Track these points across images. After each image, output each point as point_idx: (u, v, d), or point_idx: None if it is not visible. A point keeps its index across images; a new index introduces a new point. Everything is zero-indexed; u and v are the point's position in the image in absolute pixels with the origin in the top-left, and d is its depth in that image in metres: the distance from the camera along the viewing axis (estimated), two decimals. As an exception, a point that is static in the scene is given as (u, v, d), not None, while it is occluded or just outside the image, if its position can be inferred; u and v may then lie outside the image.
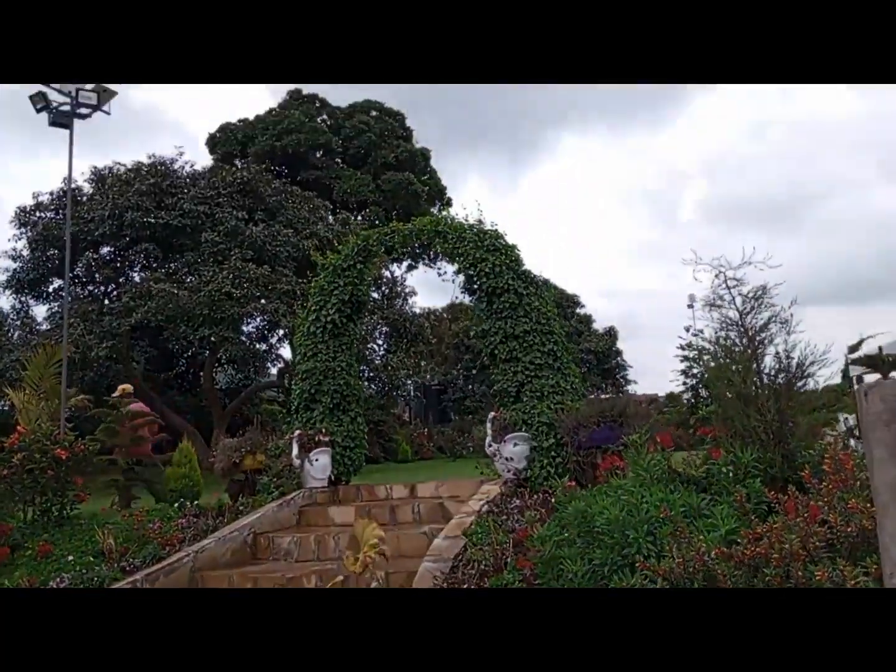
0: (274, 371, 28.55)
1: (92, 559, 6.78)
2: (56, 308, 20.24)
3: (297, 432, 8.52)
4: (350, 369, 9.08)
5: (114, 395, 9.60)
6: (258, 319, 23.34)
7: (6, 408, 20.10)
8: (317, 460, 8.43)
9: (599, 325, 36.81)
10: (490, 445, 7.62)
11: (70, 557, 6.80)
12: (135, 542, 7.06)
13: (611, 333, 35.72)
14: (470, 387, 30.92)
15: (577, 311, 35.68)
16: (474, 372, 29.42)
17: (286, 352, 27.94)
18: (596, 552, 4.56)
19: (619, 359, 36.79)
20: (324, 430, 8.61)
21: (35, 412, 8.89)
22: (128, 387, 10.02)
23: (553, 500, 6.48)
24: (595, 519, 4.72)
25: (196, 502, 8.43)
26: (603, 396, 7.40)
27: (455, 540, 6.01)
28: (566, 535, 4.83)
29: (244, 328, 25.47)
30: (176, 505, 8.23)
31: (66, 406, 9.19)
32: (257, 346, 28.09)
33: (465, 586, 5.15)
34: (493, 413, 7.79)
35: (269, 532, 7.43)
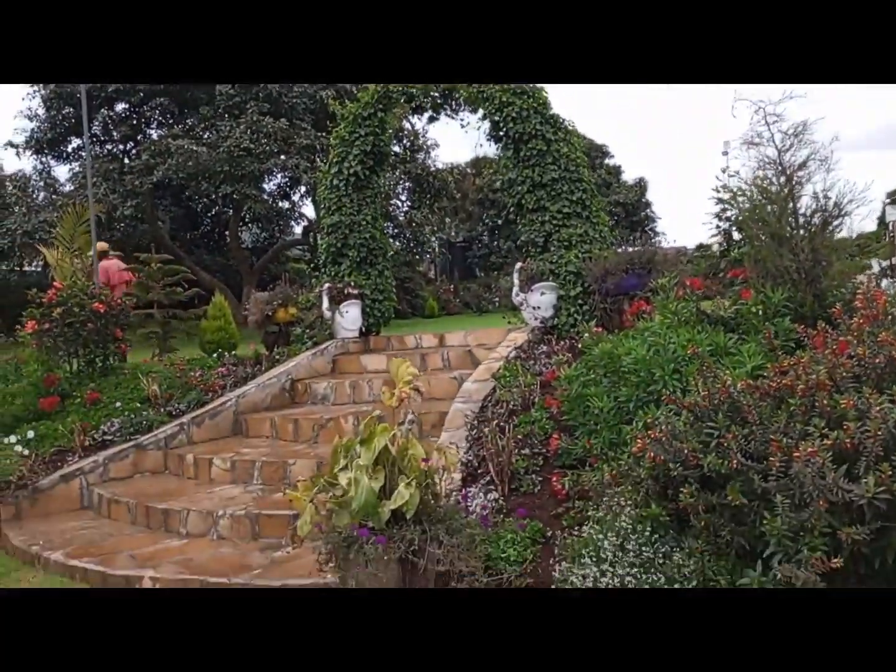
0: (298, 230, 28.55)
1: (139, 405, 7.17)
2: (77, 168, 20.09)
3: (327, 285, 8.63)
4: (375, 223, 9.02)
5: (89, 253, 9.55)
6: (279, 176, 23.03)
7: (39, 268, 20.53)
8: (347, 312, 8.59)
9: (628, 176, 35.77)
10: (517, 295, 7.68)
11: (118, 404, 7.19)
12: (178, 388, 7.41)
13: (640, 185, 34.73)
14: (495, 243, 30.74)
15: (606, 161, 34.57)
16: (499, 227, 29.16)
17: (309, 210, 27.78)
18: (622, 390, 4.70)
19: (648, 211, 36.03)
20: (352, 283, 8.70)
21: (69, 269, 9.07)
22: (103, 244, 10.04)
23: (580, 345, 6.61)
24: (621, 359, 4.82)
25: (234, 353, 8.74)
26: (631, 249, 7.29)
27: (484, 383, 6.21)
28: (592, 375, 4.96)
29: (266, 186, 25.22)
30: (214, 355, 8.55)
31: (98, 262, 9.34)
32: (280, 204, 27.95)
33: (494, 423, 5.38)
34: (520, 263, 7.78)
35: (306, 379, 7.74)
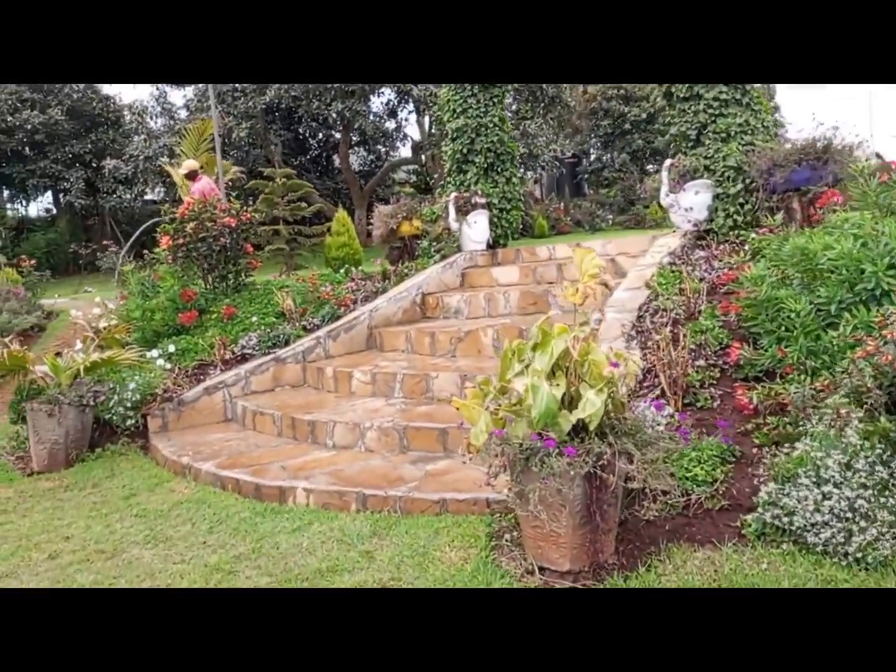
0: (405, 151, 28.08)
1: (274, 319, 7.10)
2: (191, 95, 20.28)
3: (453, 195, 8.19)
4: (503, 125, 8.42)
5: (180, 170, 9.20)
6: (388, 92, 22.48)
7: (160, 195, 21.21)
8: (475, 222, 8.15)
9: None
10: (666, 196, 6.96)
11: (254, 318, 7.16)
12: (311, 303, 7.29)
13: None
14: (608, 157, 29.14)
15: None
16: (613, 139, 27.55)
17: (414, 131, 27.18)
18: (820, 291, 4.07)
19: (777, 115, 33.07)
20: (479, 192, 8.22)
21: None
22: (192, 163, 9.17)
23: (747, 246, 5.91)
24: (818, 256, 4.16)
25: (360, 268, 8.54)
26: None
27: (637, 291, 5.67)
28: (780, 275, 4.33)
29: (372, 105, 24.78)
30: (342, 271, 8.38)
31: (223, 179, 9.27)
32: (387, 124, 27.50)
33: (654, 337, 4.86)
34: (669, 160, 7.02)
35: (436, 292, 7.43)
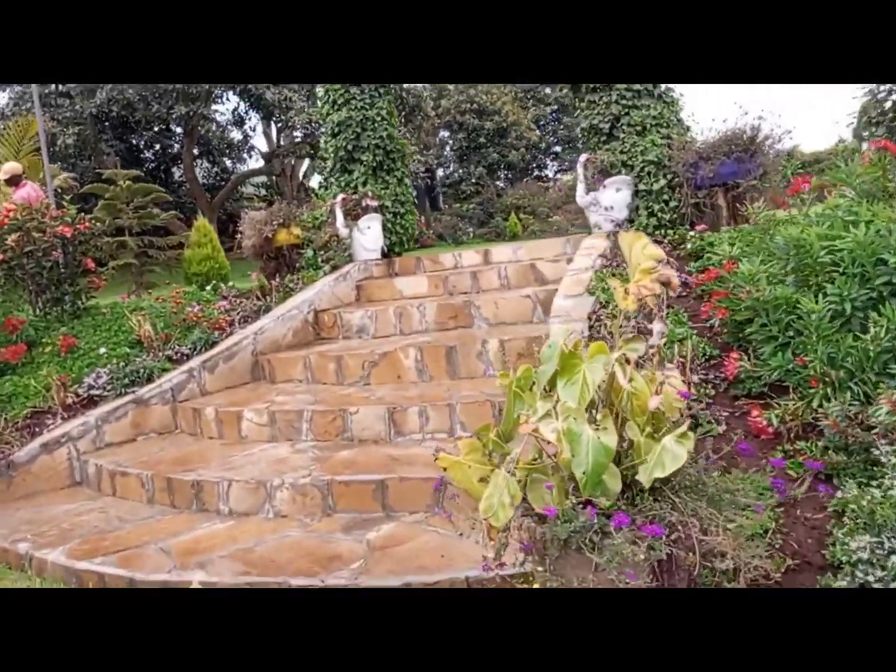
0: (252, 164, 26.40)
1: (129, 350, 5.70)
2: (10, 96, 17.59)
3: (341, 197, 7.14)
4: (391, 119, 7.51)
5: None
6: (234, 97, 20.86)
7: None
8: (368, 228, 7.14)
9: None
10: (583, 195, 6.33)
11: (102, 350, 5.71)
12: (176, 328, 5.95)
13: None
14: (464, 169, 29.06)
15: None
16: (468, 152, 27.48)
17: (261, 142, 25.62)
18: (827, 287, 3.48)
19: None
20: (370, 193, 7.23)
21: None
22: (15, 165, 7.46)
23: (688, 246, 5.36)
24: (814, 248, 3.58)
25: (231, 284, 7.25)
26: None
27: (580, 298, 4.94)
28: (772, 269, 3.71)
29: (217, 113, 23.06)
30: (209, 287, 7.05)
31: (52, 185, 7.62)
32: (233, 133, 25.76)
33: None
34: (584, 156, 6.41)
35: (331, 309, 6.34)
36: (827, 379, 3.22)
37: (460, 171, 29.94)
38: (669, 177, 6.11)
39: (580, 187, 6.34)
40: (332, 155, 7.45)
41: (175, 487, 4.12)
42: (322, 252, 7.06)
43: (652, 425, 2.35)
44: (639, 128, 6.31)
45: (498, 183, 29.04)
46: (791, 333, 3.49)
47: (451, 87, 27.98)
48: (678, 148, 6.08)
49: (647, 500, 2.21)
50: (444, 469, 2.41)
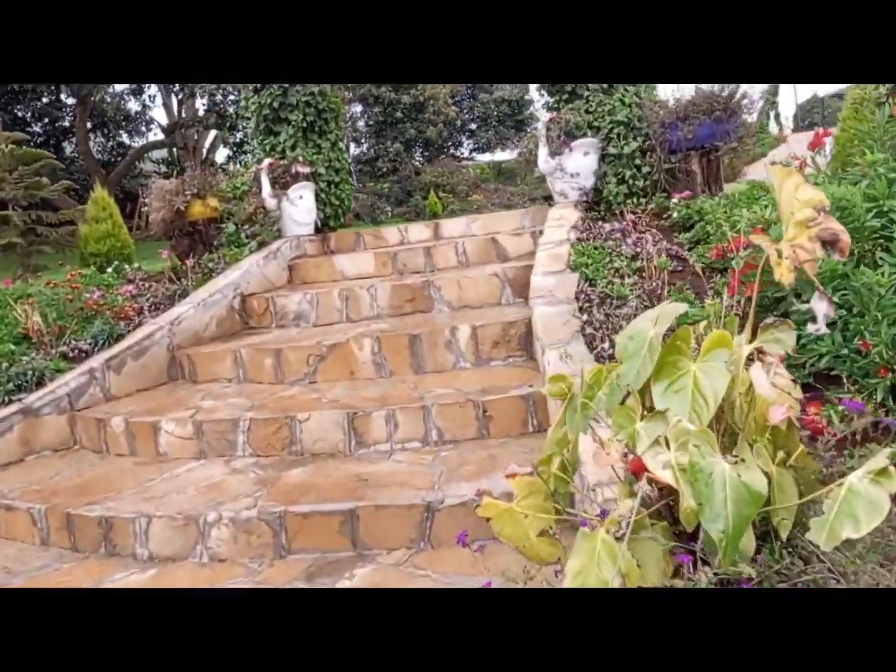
0: (152, 137, 24.48)
1: (13, 346, 4.63)
2: None
3: (267, 161, 6.19)
4: (323, 73, 6.56)
5: None
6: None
7: None
8: (300, 198, 6.24)
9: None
10: (547, 160, 5.65)
11: (-23, 348, 4.62)
12: (73, 318, 4.91)
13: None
14: (381, 146, 28.04)
15: (488, 56, 32.47)
16: (385, 127, 26.49)
17: (161, 115, 23.78)
18: (885, 257, 2.93)
19: (532, 108, 34.40)
20: (301, 158, 6.31)
21: None
22: None
23: (675, 215, 4.78)
24: (855, 210, 3.03)
25: (137, 265, 6.20)
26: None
27: (562, 275, 4.28)
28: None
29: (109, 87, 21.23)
30: (111, 269, 5.99)
31: None
32: (129, 104, 23.88)
33: (622, 329, 3.50)
34: (547, 115, 5.73)
35: (261, 293, 5.43)
36: (894, 367, 2.67)
37: (376, 147, 28.91)
38: (641, 139, 5.51)
39: (542, 151, 5.66)
40: (254, 114, 6.47)
41: (77, 526, 3.21)
42: (246, 226, 6.12)
43: (772, 444, 1.70)
44: (605, 85, 5.67)
45: (416, 160, 28.27)
46: (841, 312, 2.92)
47: (365, 58, 26.83)
48: (651, 107, 5.49)
49: (785, 557, 1.55)
50: (488, 520, 1.67)
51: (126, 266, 6.12)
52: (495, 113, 29.58)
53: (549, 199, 6.17)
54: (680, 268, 4.14)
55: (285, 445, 3.61)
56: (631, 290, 3.86)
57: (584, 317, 3.75)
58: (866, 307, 2.79)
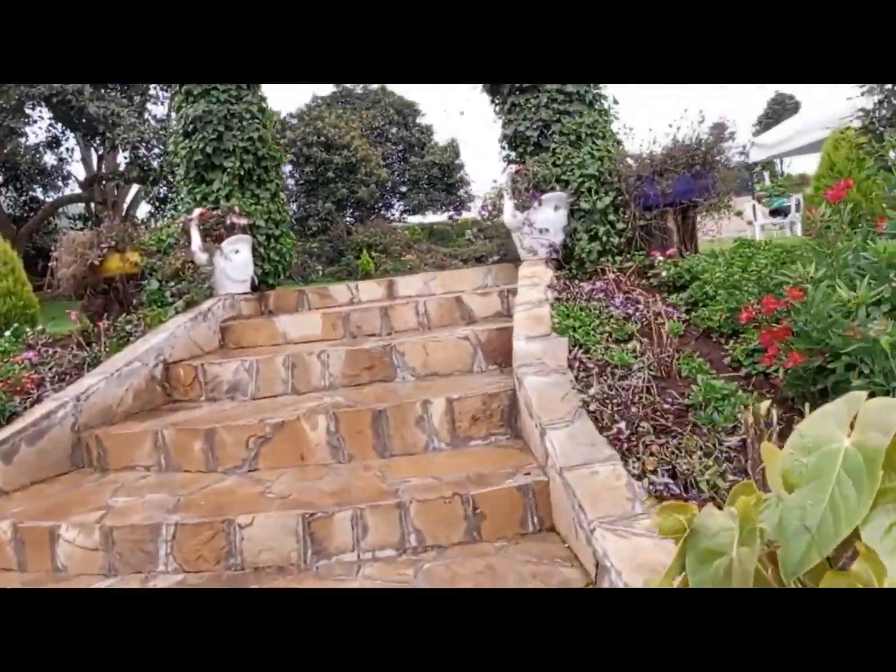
0: (68, 191, 23.27)
1: None
2: None
3: (198, 211, 5.49)
4: (264, 117, 5.99)
5: None
6: (46, 114, 18.10)
7: None
8: (236, 252, 5.54)
9: (439, 138, 34.36)
10: (515, 215, 5.18)
11: None
12: (-49, 393, 4.01)
13: (452, 146, 33.44)
14: (311, 205, 27.60)
15: (418, 120, 32.85)
16: (316, 186, 26.12)
17: (79, 169, 22.69)
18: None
19: (462, 173, 34.86)
20: (237, 209, 5.65)
21: None
22: None
23: (664, 274, 4.34)
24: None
25: (41, 328, 5.32)
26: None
27: (548, 340, 3.73)
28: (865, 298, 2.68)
29: (29, 134, 20.18)
30: (9, 333, 5.10)
31: None
32: (45, 157, 22.74)
33: (634, 404, 2.94)
34: (513, 167, 5.28)
35: (188, 359, 4.66)
36: None
37: (307, 206, 28.42)
38: (613, 194, 5.12)
39: (509, 205, 5.19)
40: (184, 160, 5.79)
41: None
42: (172, 284, 5.36)
43: None
44: (573, 137, 5.31)
45: (347, 220, 27.91)
46: (909, 387, 2.45)
47: (295, 119, 26.61)
48: (622, 160, 5.13)
49: None
50: None
51: (28, 329, 5.24)
52: (426, 176, 29.77)
53: (502, 259, 5.74)
54: (683, 332, 3.66)
55: (221, 557, 2.85)
56: (634, 357, 3.34)
57: (585, 389, 3.19)
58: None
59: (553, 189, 5.22)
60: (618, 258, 4.98)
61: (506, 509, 2.88)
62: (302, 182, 27.80)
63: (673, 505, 1.24)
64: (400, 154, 31.27)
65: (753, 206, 13.14)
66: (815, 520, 1.04)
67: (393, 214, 29.97)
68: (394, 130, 31.75)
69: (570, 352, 3.58)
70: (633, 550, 2.25)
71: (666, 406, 2.92)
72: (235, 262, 5.52)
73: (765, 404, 2.20)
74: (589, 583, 2.44)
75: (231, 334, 5.17)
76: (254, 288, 5.88)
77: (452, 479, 3.04)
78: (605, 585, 2.28)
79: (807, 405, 2.32)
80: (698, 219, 5.31)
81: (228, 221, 5.56)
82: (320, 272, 21.40)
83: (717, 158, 4.99)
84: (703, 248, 5.33)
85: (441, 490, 2.93)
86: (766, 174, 16.28)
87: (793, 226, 12.34)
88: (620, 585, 2.15)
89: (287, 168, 27.90)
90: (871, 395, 2.40)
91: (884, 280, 2.61)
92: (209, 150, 5.69)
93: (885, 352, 2.47)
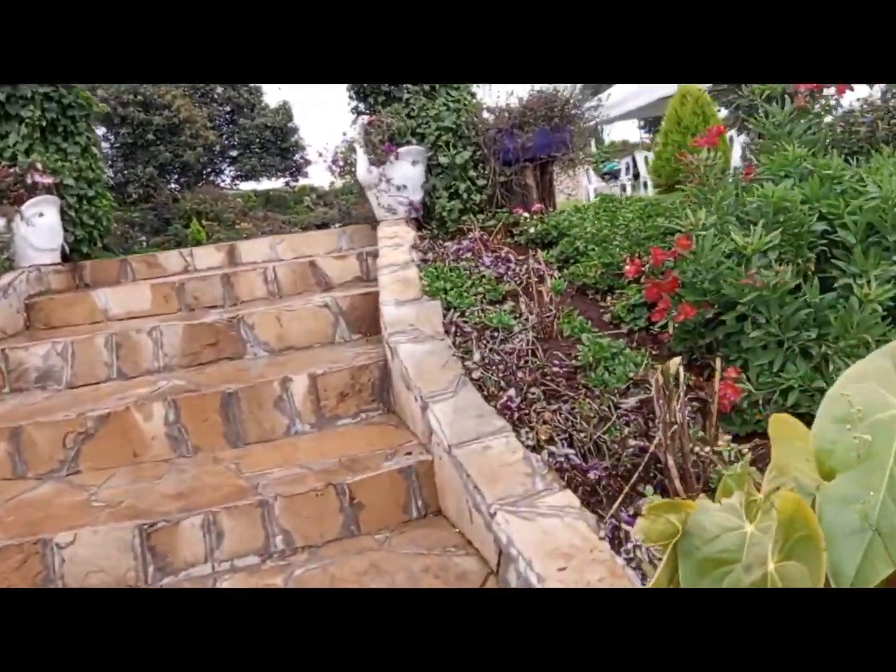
0: None
1: None
2: None
3: (-13, 167, 4.56)
4: (66, 57, 5.07)
5: None
6: None
7: None
8: (40, 216, 4.67)
9: (270, 99, 32.82)
10: (369, 170, 4.75)
11: None
12: None
13: (285, 108, 32.04)
14: (130, 170, 25.29)
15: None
16: (135, 149, 23.94)
17: None
18: (840, 265, 2.46)
19: (297, 136, 33.52)
20: (40, 166, 4.76)
21: None
22: None
23: (532, 230, 4.14)
24: (796, 212, 2.56)
25: None
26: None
27: (419, 304, 3.39)
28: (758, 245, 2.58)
29: None
30: None
31: None
32: None
33: (521, 369, 2.70)
34: (365, 118, 4.82)
35: (-15, 345, 3.85)
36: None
37: (125, 171, 26.04)
38: (472, 149, 4.84)
39: (362, 160, 4.75)
40: (-35, 105, 4.78)
41: None
42: (-41, 255, 4.42)
43: None
44: (426, 86, 4.95)
45: (172, 186, 25.93)
46: (808, 336, 2.37)
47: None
48: (479, 113, 4.86)
49: None
50: None
51: None
52: (258, 139, 28.23)
53: (350, 220, 5.34)
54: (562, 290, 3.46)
55: (37, 585, 2.27)
56: (514, 318, 3.09)
57: (466, 355, 2.90)
58: (846, 329, 2.24)
59: (409, 143, 4.85)
60: (480, 216, 4.73)
61: (387, 496, 2.53)
62: (118, 145, 25.38)
63: (663, 504, 0.95)
64: (228, 116, 29.40)
65: (587, 170, 13.57)
66: (874, 514, 0.77)
67: (224, 181, 28.19)
68: (220, 90, 29.87)
69: (444, 316, 3.27)
70: (542, 534, 1.99)
71: (555, 369, 2.69)
72: (40, 228, 4.65)
73: (675, 362, 2.01)
74: (490, 573, 2.17)
75: (39, 313, 4.35)
76: (65, 258, 5.03)
77: (322, 467, 2.65)
78: (512, 575, 2.01)
79: (717, 361, 2.15)
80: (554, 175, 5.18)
81: (30, 181, 4.67)
82: (144, 243, 19.67)
83: (574, 112, 4.85)
84: (560, 206, 5.23)
85: (310, 481, 2.52)
86: (593, 140, 16.93)
87: (632, 186, 12.81)
88: (532, 575, 1.88)
89: (101, 131, 25.34)
90: (765, 347, 2.27)
91: (771, 226, 2.51)
92: (2, 97, 4.74)
93: (780, 300, 2.37)
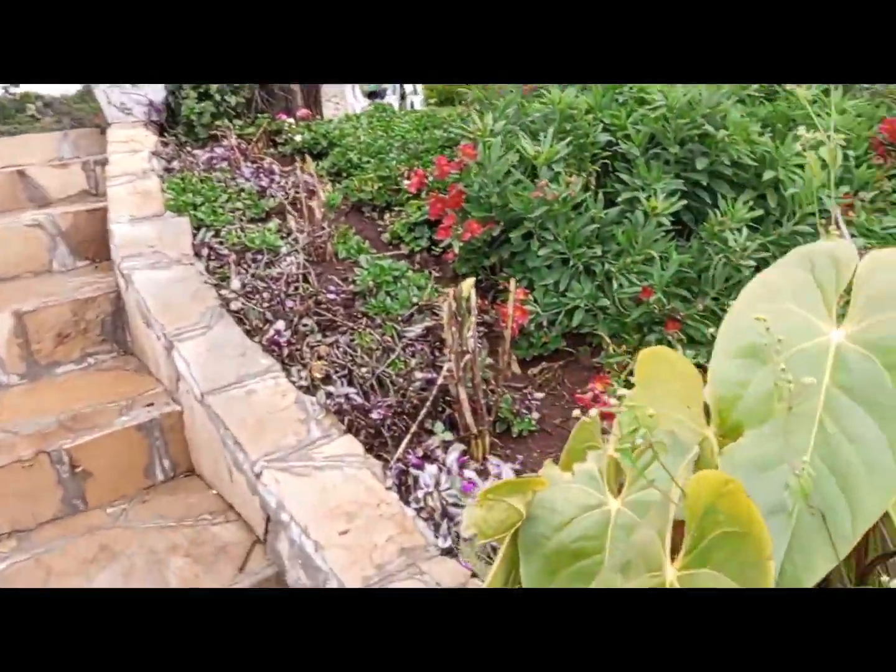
0: None
1: None
2: None
3: None
4: None
5: None
6: None
7: None
8: None
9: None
10: (92, 57, 3.88)
11: None
12: None
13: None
14: None
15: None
16: None
17: None
18: (624, 178, 2.37)
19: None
20: None
21: None
22: None
23: (299, 138, 3.66)
24: (581, 120, 2.43)
25: None
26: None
27: (162, 221, 2.81)
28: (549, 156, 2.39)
29: None
30: None
31: None
32: None
33: (290, 297, 2.31)
34: None
35: None
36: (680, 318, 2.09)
37: None
38: (225, 43, 4.15)
39: (83, 45, 3.86)
40: None
41: None
42: None
43: None
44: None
45: None
46: (593, 253, 2.24)
47: None
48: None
49: None
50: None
51: None
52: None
53: (79, 124, 4.42)
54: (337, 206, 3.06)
55: None
56: (281, 238, 2.65)
57: (222, 283, 2.42)
58: (630, 244, 2.14)
59: (145, 30, 4.03)
60: (237, 122, 4.10)
61: (122, 459, 2.04)
62: None
63: (503, 485, 0.65)
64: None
65: (353, 88, 13.08)
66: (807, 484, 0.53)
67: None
68: None
69: (194, 236, 2.73)
70: (321, 492, 1.67)
71: (331, 296, 2.32)
72: None
73: (468, 284, 1.75)
74: (256, 541, 1.81)
75: None
76: None
77: (35, 429, 2.07)
78: (283, 544, 1.67)
79: (512, 280, 1.92)
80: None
81: None
82: None
83: None
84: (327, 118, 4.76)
85: (16, 448, 1.95)
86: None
87: (399, 107, 12.51)
88: (308, 543, 1.56)
89: None
90: (549, 266, 2.08)
91: (558, 136, 2.32)
92: None
93: (567, 214, 2.21)
